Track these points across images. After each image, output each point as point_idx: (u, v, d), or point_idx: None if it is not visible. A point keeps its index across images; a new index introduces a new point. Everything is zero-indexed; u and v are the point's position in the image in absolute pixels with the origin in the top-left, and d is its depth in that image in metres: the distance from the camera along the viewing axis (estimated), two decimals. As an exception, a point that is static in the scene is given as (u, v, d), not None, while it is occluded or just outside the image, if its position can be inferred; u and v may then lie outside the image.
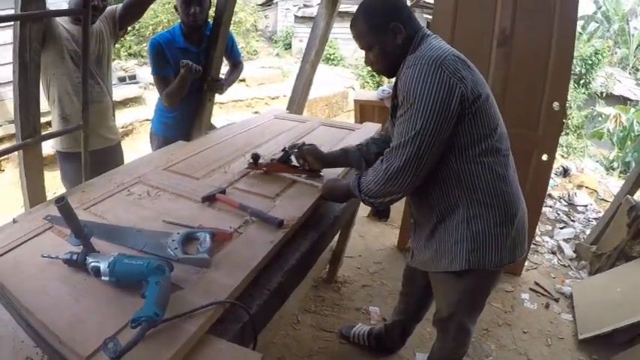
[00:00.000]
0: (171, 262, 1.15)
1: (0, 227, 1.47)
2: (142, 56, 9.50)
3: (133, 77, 7.60)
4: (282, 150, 1.90)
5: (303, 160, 1.88)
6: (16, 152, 1.87)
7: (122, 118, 6.28)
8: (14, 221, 1.52)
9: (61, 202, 1.12)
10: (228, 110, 7.63)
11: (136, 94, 6.90)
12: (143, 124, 6.26)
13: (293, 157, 1.90)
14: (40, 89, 1.81)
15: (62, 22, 2.17)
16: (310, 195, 1.72)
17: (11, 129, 5.01)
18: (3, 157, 4.74)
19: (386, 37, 1.48)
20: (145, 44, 9.57)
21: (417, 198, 1.61)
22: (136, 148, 6.05)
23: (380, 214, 1.72)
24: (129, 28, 2.57)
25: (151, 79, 7.39)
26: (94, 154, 2.26)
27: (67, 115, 2.30)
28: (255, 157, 1.88)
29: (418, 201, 1.62)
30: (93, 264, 1.16)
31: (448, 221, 1.53)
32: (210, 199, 1.62)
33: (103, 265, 1.13)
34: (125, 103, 6.74)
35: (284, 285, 1.32)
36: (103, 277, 1.13)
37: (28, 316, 1.03)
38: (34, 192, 1.89)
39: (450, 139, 1.40)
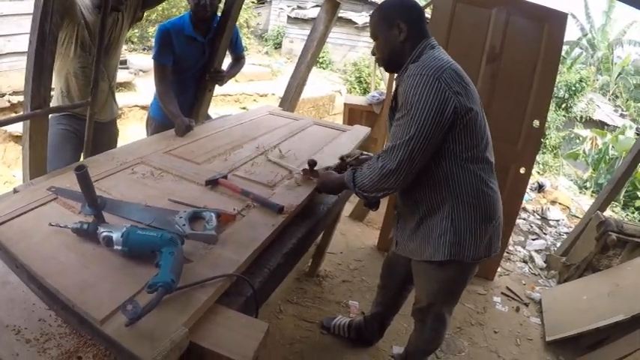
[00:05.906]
0: (181, 236, 1.22)
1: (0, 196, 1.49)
2: (133, 42, 9.39)
3: (123, 62, 7.49)
4: (340, 159, 1.94)
5: None
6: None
7: (110, 102, 6.13)
8: (15, 191, 1.55)
9: (81, 169, 1.18)
10: (216, 104, 7.56)
11: (125, 79, 6.77)
12: (132, 109, 6.11)
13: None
14: (54, 62, 1.83)
15: (84, 9, 2.18)
16: (306, 186, 1.82)
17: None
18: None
19: (390, 32, 1.61)
20: (136, 30, 9.48)
21: (407, 194, 1.72)
22: (123, 132, 5.94)
23: (370, 205, 1.82)
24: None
25: (141, 65, 7.38)
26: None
27: (66, 90, 2.33)
28: (312, 163, 1.86)
29: (407, 197, 1.73)
30: (105, 234, 1.20)
31: (433, 216, 1.66)
32: (213, 183, 1.69)
33: (116, 235, 1.18)
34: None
35: (282, 266, 1.41)
36: (115, 247, 1.18)
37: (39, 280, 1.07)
38: (36, 164, 1.89)
39: (441, 145, 1.53)
